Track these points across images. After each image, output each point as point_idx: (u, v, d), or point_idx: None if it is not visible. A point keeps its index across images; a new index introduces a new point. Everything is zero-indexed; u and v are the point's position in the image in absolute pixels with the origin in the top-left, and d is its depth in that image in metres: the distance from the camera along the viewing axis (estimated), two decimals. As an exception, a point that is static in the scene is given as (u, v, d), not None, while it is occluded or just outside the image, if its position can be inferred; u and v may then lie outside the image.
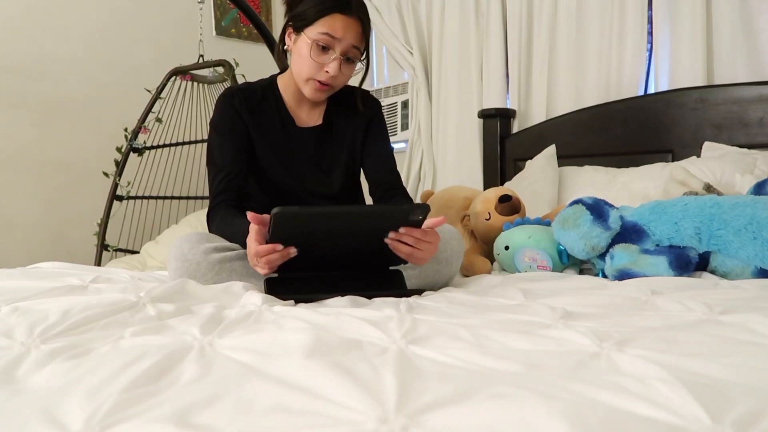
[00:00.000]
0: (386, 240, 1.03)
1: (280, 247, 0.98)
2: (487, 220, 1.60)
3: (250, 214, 1.01)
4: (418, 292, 1.09)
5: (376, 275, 1.13)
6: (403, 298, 0.99)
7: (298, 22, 1.26)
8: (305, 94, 1.30)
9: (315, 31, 1.23)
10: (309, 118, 1.40)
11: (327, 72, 1.25)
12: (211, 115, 1.38)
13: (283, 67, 1.42)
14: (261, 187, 1.38)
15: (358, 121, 1.41)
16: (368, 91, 1.47)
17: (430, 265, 1.19)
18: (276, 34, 2.31)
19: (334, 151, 1.40)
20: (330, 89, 1.30)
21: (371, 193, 1.43)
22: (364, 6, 1.28)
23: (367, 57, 1.33)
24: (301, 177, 1.37)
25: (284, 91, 1.38)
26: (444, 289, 1.18)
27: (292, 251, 1.00)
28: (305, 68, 1.26)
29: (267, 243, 1.00)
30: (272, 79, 1.40)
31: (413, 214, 1.01)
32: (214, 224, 1.27)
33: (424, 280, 1.20)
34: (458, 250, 1.24)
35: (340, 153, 1.40)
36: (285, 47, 1.33)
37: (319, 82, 1.27)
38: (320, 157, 1.39)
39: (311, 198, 1.38)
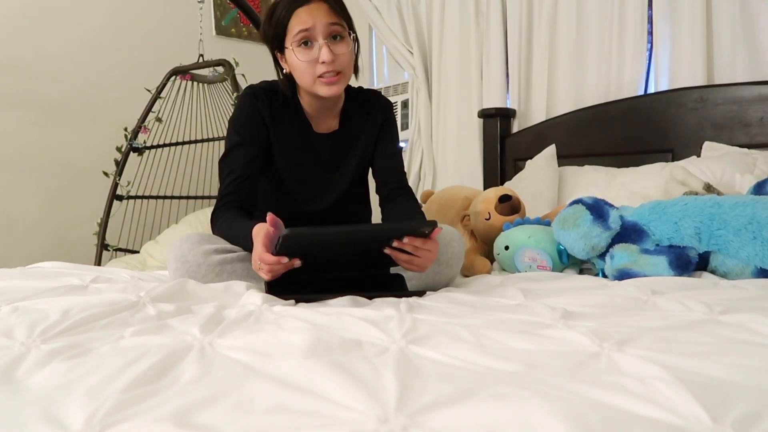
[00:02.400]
0: (386, 250, 1.04)
1: (285, 259, 0.98)
2: (487, 219, 1.60)
3: (270, 216, 0.99)
4: (419, 293, 1.09)
5: (378, 278, 1.14)
6: (404, 298, 0.99)
7: (276, 42, 1.26)
8: (321, 94, 1.26)
9: (290, 36, 1.22)
10: (326, 123, 1.38)
11: (323, 63, 1.21)
12: (231, 111, 1.36)
13: (293, 87, 1.37)
14: (271, 187, 1.38)
15: (371, 123, 1.41)
16: (380, 92, 1.46)
17: (430, 266, 1.19)
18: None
19: (348, 154, 1.40)
20: (340, 78, 1.25)
21: (378, 191, 1.44)
22: None
23: (353, 29, 1.28)
24: (311, 180, 1.37)
25: (302, 98, 1.36)
26: (444, 289, 1.18)
27: (297, 263, 1.00)
28: (304, 73, 1.24)
29: (273, 254, 0.99)
30: (293, 83, 1.34)
31: (421, 232, 1.01)
32: (217, 225, 1.26)
33: (424, 281, 1.20)
34: (459, 253, 1.25)
35: (353, 156, 1.40)
36: (284, 72, 1.31)
37: (322, 77, 1.23)
38: (334, 161, 1.39)
39: (318, 199, 1.38)
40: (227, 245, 1.19)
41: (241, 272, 1.15)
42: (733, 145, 1.79)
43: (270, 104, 1.31)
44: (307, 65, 1.22)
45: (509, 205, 1.60)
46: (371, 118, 1.40)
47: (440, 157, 2.78)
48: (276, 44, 1.27)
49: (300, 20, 1.20)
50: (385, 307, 0.89)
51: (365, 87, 1.45)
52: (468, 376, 0.57)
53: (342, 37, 1.24)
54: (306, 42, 1.21)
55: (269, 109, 1.31)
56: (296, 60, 1.23)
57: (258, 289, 1.06)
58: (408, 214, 1.32)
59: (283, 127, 1.33)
